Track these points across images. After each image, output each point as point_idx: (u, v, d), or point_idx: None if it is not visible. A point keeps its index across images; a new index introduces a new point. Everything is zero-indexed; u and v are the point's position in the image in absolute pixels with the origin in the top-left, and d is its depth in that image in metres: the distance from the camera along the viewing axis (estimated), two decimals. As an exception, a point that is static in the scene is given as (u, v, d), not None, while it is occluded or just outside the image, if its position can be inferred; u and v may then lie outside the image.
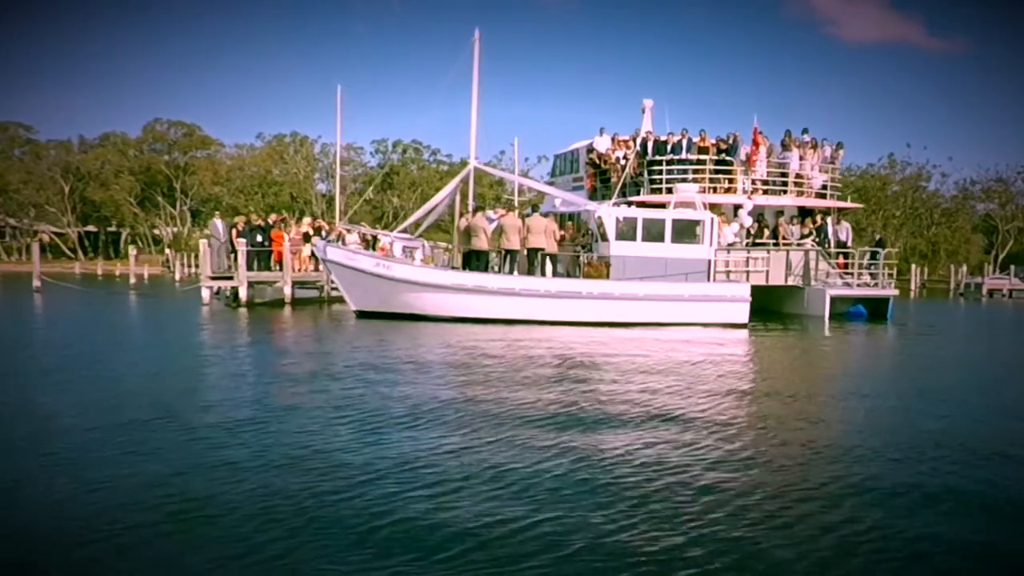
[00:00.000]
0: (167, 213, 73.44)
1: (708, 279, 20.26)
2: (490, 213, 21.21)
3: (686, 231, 20.22)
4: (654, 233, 20.01)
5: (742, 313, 20.05)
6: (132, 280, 33.82)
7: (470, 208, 21.09)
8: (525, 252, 19.87)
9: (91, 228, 77.12)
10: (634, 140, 26.70)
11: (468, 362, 13.35)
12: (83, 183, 72.13)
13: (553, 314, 19.31)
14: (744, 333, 19.23)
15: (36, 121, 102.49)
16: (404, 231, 22.56)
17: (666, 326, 19.40)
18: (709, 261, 20.35)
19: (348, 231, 22.98)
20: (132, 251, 35.09)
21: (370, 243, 25.42)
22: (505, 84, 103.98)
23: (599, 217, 20.11)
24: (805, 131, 26.51)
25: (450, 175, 67.83)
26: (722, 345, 16.64)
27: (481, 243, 19.55)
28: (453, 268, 20.03)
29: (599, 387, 10.82)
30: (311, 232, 27.13)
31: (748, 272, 24.13)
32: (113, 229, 77.15)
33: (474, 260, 19.77)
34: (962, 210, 66.67)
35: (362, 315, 20.62)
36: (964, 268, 53.87)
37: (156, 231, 74.21)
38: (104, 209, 72.31)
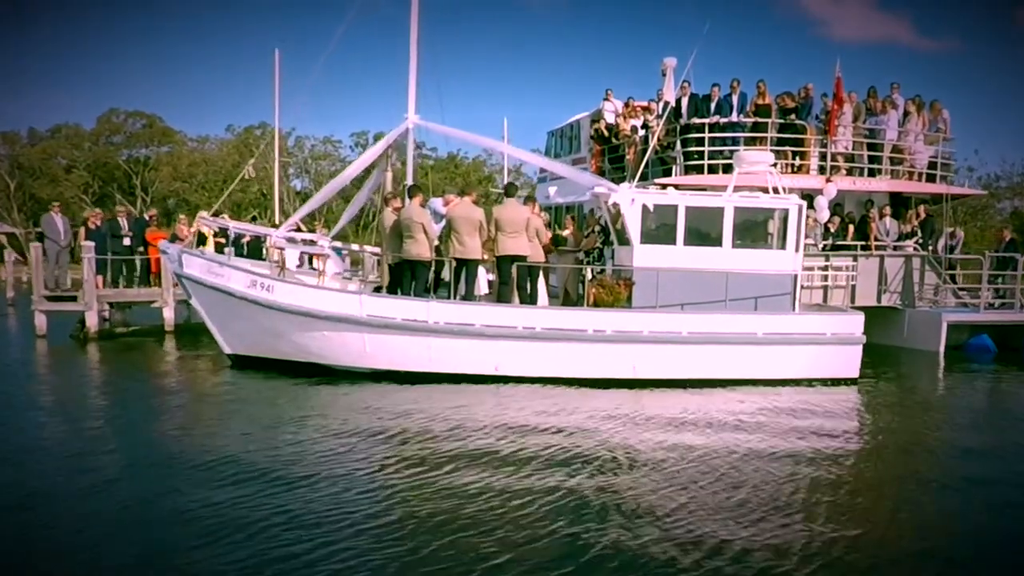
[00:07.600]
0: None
1: (793, 306, 12.41)
2: (435, 201, 13.38)
3: (757, 227, 12.34)
4: (704, 231, 12.12)
5: (851, 362, 12.15)
6: (10, 293, 26.45)
7: (406, 193, 12.94)
8: (494, 262, 12.20)
9: (48, 228, 70.30)
10: (655, 103, 19.22)
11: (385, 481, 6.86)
12: (32, 179, 65.40)
13: (537, 367, 11.60)
14: (855, 397, 11.57)
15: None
16: (311, 230, 14.68)
17: (726, 384, 11.73)
18: (794, 276, 12.49)
19: (211, 227, 15.47)
20: (9, 255, 27.50)
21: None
22: (497, 84, 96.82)
23: (615, 205, 12.22)
24: (895, 86, 18.68)
25: (435, 170, 60.15)
26: (835, 440, 8.99)
27: (420, 248, 11.78)
28: (375, 289, 12.36)
29: None
30: (210, 233, 19.45)
31: (826, 288, 16.67)
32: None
33: (407, 276, 11.99)
34: (989, 207, 60.01)
35: (241, 362, 13.01)
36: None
37: (114, 230, 67.26)
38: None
